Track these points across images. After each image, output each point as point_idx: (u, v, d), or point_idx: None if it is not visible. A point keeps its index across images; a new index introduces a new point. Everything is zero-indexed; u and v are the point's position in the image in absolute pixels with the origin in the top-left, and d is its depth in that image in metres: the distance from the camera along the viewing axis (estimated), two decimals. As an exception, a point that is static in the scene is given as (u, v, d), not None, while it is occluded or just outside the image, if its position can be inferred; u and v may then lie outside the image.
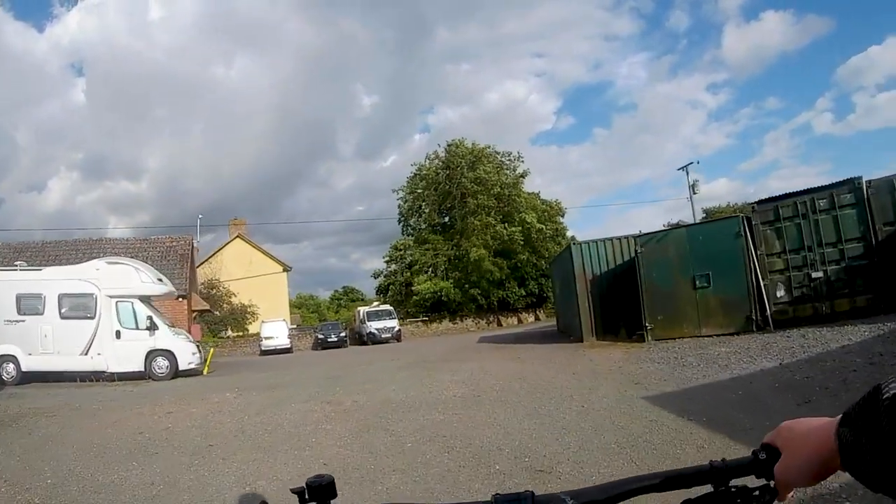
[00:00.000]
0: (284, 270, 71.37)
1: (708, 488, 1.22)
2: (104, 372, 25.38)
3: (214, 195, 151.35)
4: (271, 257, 71.59)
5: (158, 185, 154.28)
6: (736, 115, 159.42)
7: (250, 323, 58.11)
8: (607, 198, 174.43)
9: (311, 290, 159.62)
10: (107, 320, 25.93)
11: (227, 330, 59.44)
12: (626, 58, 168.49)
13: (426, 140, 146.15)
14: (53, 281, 26.09)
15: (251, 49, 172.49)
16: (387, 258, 67.21)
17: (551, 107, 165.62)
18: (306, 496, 1.16)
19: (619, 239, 25.68)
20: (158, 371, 25.80)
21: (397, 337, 51.49)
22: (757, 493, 1.19)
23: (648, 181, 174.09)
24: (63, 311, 25.80)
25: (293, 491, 1.17)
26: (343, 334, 52.35)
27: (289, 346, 49.79)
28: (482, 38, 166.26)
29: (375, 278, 69.49)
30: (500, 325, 61.95)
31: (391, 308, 55.80)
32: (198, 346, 27.72)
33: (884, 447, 0.93)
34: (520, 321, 64.03)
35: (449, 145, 62.60)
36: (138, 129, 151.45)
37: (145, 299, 27.16)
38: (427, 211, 63.25)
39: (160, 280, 27.62)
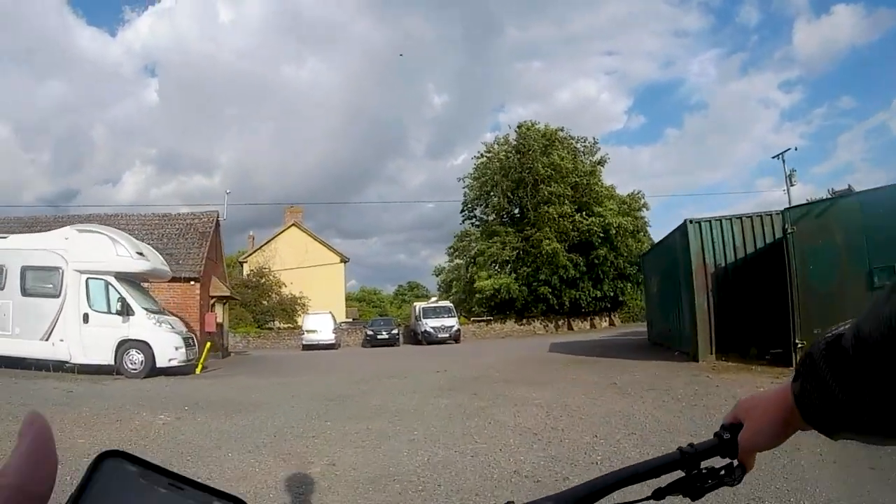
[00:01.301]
0: (342, 261, 66.39)
1: (680, 474, 1.18)
2: (66, 362, 20.03)
3: (285, 191, 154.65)
4: (328, 247, 66.76)
5: (231, 180, 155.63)
6: (809, 115, 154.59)
7: (300, 315, 52.87)
8: (679, 201, 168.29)
9: (379, 284, 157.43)
10: (73, 300, 20.37)
11: (274, 321, 55.05)
12: (697, 55, 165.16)
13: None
14: (18, 251, 20.79)
15: (321, 49, 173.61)
16: (450, 251, 60.83)
17: (622, 106, 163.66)
18: None
19: (754, 216, 18.90)
20: (130, 366, 19.91)
21: (455, 337, 45.68)
22: (723, 471, 1.17)
23: (724, 183, 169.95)
24: (26, 286, 20.58)
25: None
26: (395, 331, 46.93)
27: (333, 341, 44.34)
28: (552, 35, 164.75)
29: (437, 276, 63.15)
30: (570, 328, 55.64)
31: (450, 305, 49.69)
32: (188, 339, 21.72)
33: (827, 391, 0.96)
34: (593, 326, 57.62)
35: (520, 127, 56.25)
36: (210, 126, 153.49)
37: (129, 278, 21.46)
38: (496, 199, 56.68)
39: (141, 254, 21.56)
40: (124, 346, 20.06)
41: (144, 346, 20.01)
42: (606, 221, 51.31)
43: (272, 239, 64.87)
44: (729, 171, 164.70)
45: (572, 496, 1.12)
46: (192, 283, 28.86)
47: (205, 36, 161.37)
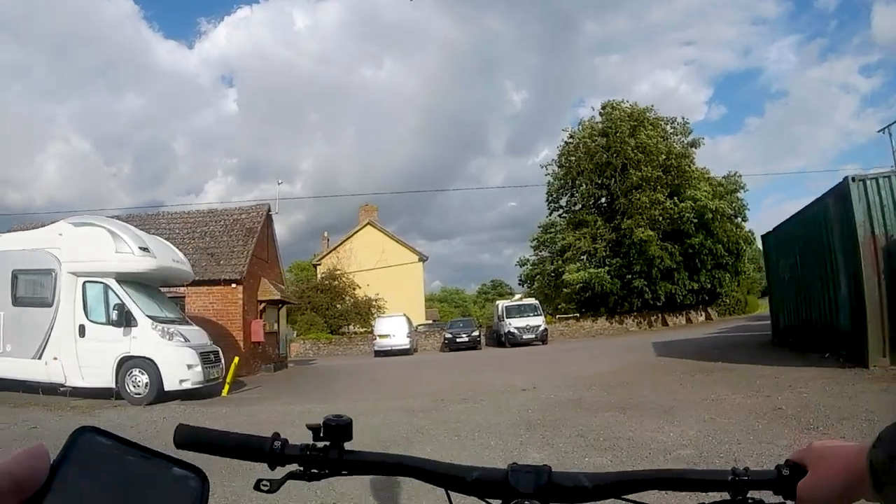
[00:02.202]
0: (420, 260, 62.31)
1: (724, 496, 1.12)
2: (62, 385, 16.42)
3: (367, 194, 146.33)
4: (406, 246, 62.97)
5: (313, 186, 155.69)
6: (892, 100, 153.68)
7: (375, 318, 48.33)
8: (764, 190, 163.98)
9: (464, 285, 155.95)
10: (68, 309, 16.54)
11: (349, 325, 51.21)
12: (775, 41, 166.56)
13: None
14: (9, 252, 17.07)
15: (397, 51, 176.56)
16: (534, 242, 55.26)
17: (702, 96, 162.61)
18: (321, 434, 1.12)
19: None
20: (133, 390, 15.84)
21: (542, 338, 40.83)
22: None
23: (803, 174, 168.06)
24: (17, 293, 16.92)
25: (309, 427, 1.13)
26: (475, 333, 42.43)
27: (408, 346, 39.99)
28: (629, 28, 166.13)
29: (521, 266, 56.99)
30: (665, 324, 50.53)
31: (536, 302, 44.41)
32: (208, 355, 17.39)
33: None
34: (689, 321, 52.64)
35: (604, 108, 51.11)
36: (290, 133, 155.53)
37: (138, 279, 17.34)
38: (582, 187, 51.58)
39: (145, 250, 17.30)
40: (126, 364, 15.98)
41: (149, 365, 15.84)
42: (702, 205, 45.78)
43: (346, 239, 61.54)
44: (810, 159, 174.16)
45: (608, 479, 1.11)
46: (234, 285, 24.87)
47: (280, 42, 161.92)
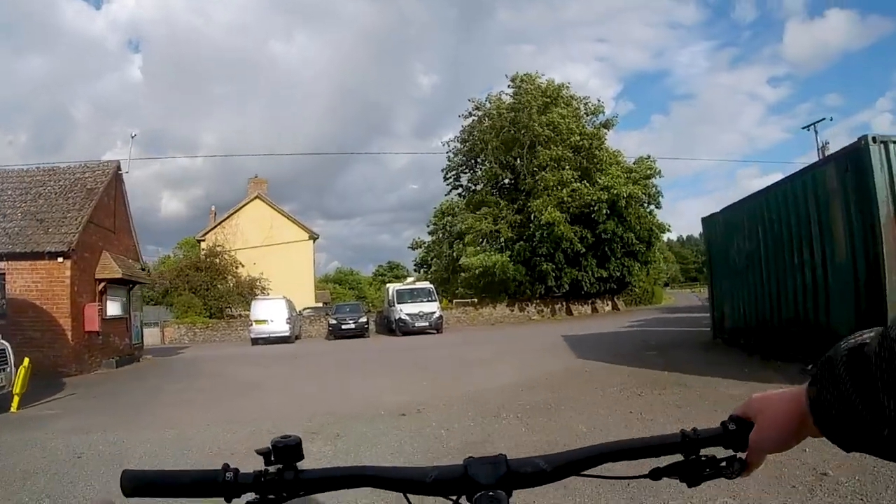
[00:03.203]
0: (310, 238, 57.47)
1: (678, 458, 1.18)
2: None
3: (270, 171, 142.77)
4: (296, 222, 57.95)
5: (215, 161, 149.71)
6: (795, 110, 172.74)
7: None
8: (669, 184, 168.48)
9: (362, 266, 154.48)
10: None
11: (230, 308, 46.41)
12: (688, 46, 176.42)
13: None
14: None
15: (309, 25, 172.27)
16: (430, 225, 51.45)
17: (612, 91, 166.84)
18: (272, 457, 1.11)
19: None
20: None
21: (437, 326, 36.88)
22: (724, 463, 1.17)
23: (705, 172, 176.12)
24: None
25: (259, 452, 1.11)
26: (363, 320, 37.94)
27: (287, 333, 35.35)
28: (545, 20, 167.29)
29: (414, 249, 53.10)
30: (569, 313, 47.46)
31: (430, 286, 40.43)
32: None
33: (846, 400, 0.93)
34: (595, 310, 49.82)
35: (514, 80, 47.13)
36: (195, 105, 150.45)
37: None
38: (486, 165, 47.82)
39: None
40: None
41: None
42: (615, 191, 42.38)
43: (233, 213, 55.93)
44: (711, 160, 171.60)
45: (563, 459, 1.15)
46: (60, 259, 20.07)
47: (190, 9, 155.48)
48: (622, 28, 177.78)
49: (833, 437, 0.97)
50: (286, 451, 1.08)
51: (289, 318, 36.08)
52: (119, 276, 22.89)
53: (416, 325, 36.17)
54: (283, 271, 49.18)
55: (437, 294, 40.49)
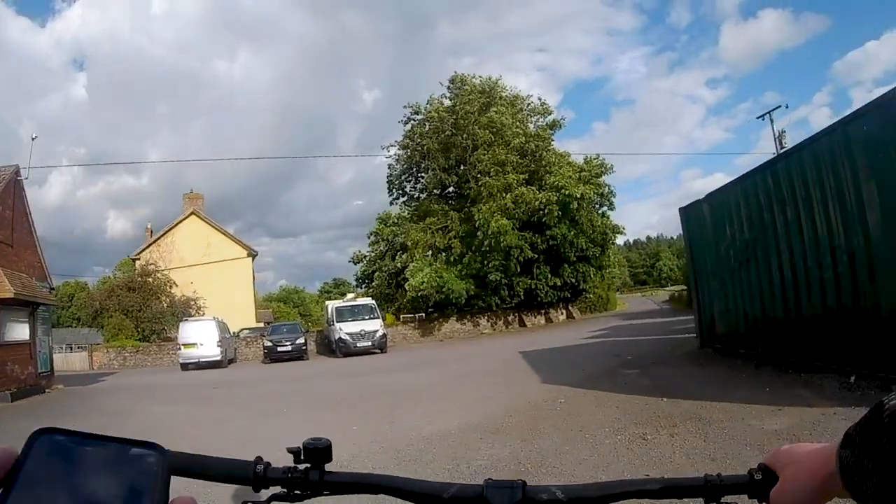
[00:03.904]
0: (249, 255, 54.50)
1: (700, 502, 1.16)
2: None
3: (215, 189, 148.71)
4: (234, 239, 55.06)
5: (160, 180, 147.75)
6: (734, 111, 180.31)
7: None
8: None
9: (309, 283, 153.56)
10: None
11: (164, 330, 43.31)
12: (627, 52, 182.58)
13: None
14: None
15: (253, 43, 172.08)
16: (371, 238, 47.83)
17: (553, 101, 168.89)
18: (301, 457, 1.12)
19: None
20: None
21: (380, 346, 34.03)
22: None
23: (647, 175, 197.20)
24: None
25: (289, 450, 1.12)
26: (300, 341, 34.66)
27: (218, 357, 32.23)
28: (485, 32, 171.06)
29: (355, 263, 49.30)
30: (523, 324, 44.84)
31: (372, 303, 37.37)
32: None
33: (886, 467, 0.83)
34: (549, 320, 47.02)
35: (453, 81, 44.60)
36: (139, 124, 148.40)
37: None
38: (429, 171, 44.63)
39: None
40: None
41: None
42: (566, 192, 39.80)
43: (168, 231, 52.81)
44: (654, 164, 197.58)
45: (581, 492, 1.11)
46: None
47: (135, 27, 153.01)
48: (561, 37, 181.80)
49: (864, 502, 0.86)
50: (315, 452, 1.09)
51: (220, 341, 32.97)
52: (10, 296, 19.85)
53: (358, 345, 33.30)
54: (221, 290, 46.30)
55: (381, 310, 37.53)
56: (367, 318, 34.87)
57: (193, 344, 32.26)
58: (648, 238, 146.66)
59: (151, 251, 50.38)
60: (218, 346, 32.66)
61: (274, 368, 30.18)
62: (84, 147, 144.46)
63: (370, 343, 33.57)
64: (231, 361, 35.03)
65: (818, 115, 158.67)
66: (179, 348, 33.01)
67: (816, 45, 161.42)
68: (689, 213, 17.63)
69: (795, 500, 1.02)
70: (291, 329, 37.49)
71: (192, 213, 52.97)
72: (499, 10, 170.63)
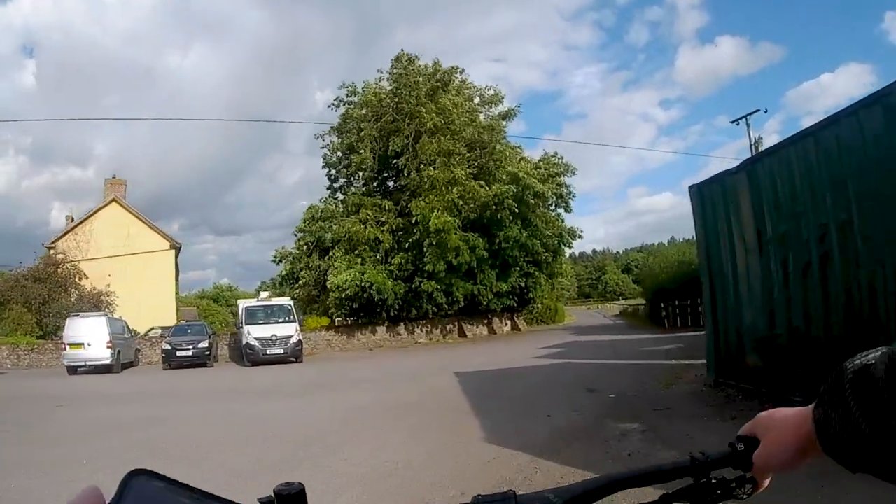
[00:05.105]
0: (172, 248, 49.55)
1: (689, 481, 1.15)
2: None
3: (162, 185, 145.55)
4: (156, 229, 49.71)
5: (106, 173, 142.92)
6: (686, 132, 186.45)
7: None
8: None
9: (251, 283, 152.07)
10: None
11: (69, 327, 38.33)
12: (583, 67, 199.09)
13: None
14: None
15: (207, 38, 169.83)
16: (298, 233, 41.99)
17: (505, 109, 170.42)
18: None
19: None
20: None
21: (295, 354, 29.55)
22: (734, 483, 1.15)
23: (597, 188, 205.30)
24: None
25: (261, 501, 1.03)
26: (204, 344, 29.75)
27: (108, 361, 27.40)
28: (441, 39, 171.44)
29: (278, 262, 42.70)
30: (463, 335, 40.65)
31: (289, 303, 32.88)
32: None
33: (853, 421, 0.92)
34: (492, 331, 42.88)
35: (397, 60, 39.98)
36: (88, 114, 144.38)
37: None
38: (364, 161, 39.14)
39: None
40: None
41: None
42: (523, 182, 36.46)
43: (86, 219, 47.47)
44: (602, 180, 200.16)
45: (573, 491, 1.10)
46: None
47: (88, 16, 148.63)
48: (519, 48, 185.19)
49: (839, 458, 0.95)
50: (289, 499, 0.99)
51: (110, 342, 28.00)
52: None
53: (269, 352, 28.87)
54: (140, 285, 42.19)
55: (298, 312, 33.15)
56: (281, 320, 30.65)
57: (80, 344, 27.44)
58: (594, 251, 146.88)
59: (67, 239, 45.73)
60: (108, 347, 27.80)
61: (166, 378, 25.62)
62: (31, 135, 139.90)
63: (283, 350, 29.19)
64: (130, 365, 30.52)
65: (769, 142, 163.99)
66: (65, 348, 28.15)
67: (772, 74, 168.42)
68: (710, 191, 12.73)
69: (777, 461, 1.07)
70: (197, 330, 32.61)
71: (112, 201, 47.71)
72: (458, 19, 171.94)
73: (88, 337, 27.61)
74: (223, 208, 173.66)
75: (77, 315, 29.83)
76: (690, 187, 13.51)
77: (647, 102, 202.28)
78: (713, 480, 1.12)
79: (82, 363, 27.34)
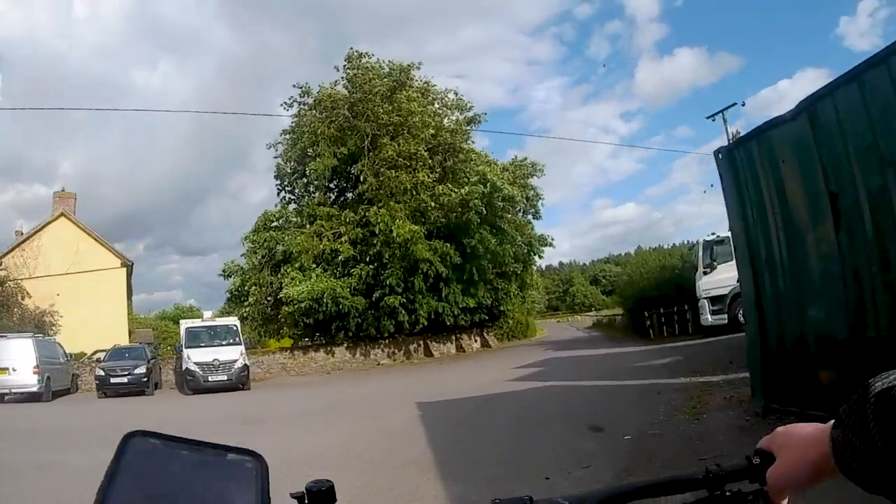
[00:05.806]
0: (123, 266, 46.58)
1: (703, 493, 1.15)
2: None
3: (127, 203, 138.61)
4: (106, 246, 46.52)
5: (75, 188, 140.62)
6: (647, 143, 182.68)
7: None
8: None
9: (216, 304, 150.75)
10: None
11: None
12: (544, 82, 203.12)
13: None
14: None
15: (174, 54, 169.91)
16: (246, 242, 38.86)
17: (467, 128, 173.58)
18: (305, 501, 1.06)
19: None
20: None
21: (241, 380, 26.60)
22: (751, 497, 1.13)
23: (562, 201, 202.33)
24: None
25: (293, 496, 1.06)
26: (141, 370, 26.63)
27: (35, 388, 24.30)
28: (404, 56, 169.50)
29: (227, 277, 40.15)
30: (429, 353, 37.86)
31: (235, 323, 30.05)
32: None
33: (873, 445, 0.88)
34: (461, 349, 40.17)
35: (350, 60, 37.29)
36: (54, 130, 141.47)
37: None
38: (319, 166, 35.90)
39: None
40: None
41: None
42: (493, 185, 34.02)
43: (33, 234, 43.77)
44: (566, 192, 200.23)
45: (589, 499, 1.11)
46: None
47: (55, 30, 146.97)
48: (481, 64, 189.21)
49: (856, 480, 0.91)
50: (319, 495, 1.02)
51: (37, 367, 24.70)
52: None
53: (210, 379, 25.99)
54: (90, 304, 39.50)
55: (254, 334, 30.84)
56: (225, 343, 27.79)
57: (5, 369, 24.78)
58: (561, 263, 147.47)
59: (14, 256, 43.48)
60: (35, 372, 24.82)
61: (98, 409, 22.83)
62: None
63: (226, 377, 26.28)
64: (67, 392, 27.61)
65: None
66: (-13, 374, 25.29)
67: (730, 83, 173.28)
68: (747, 153, 9.46)
69: (791, 479, 1.05)
70: (135, 354, 29.17)
71: (61, 215, 44.67)
72: (420, 36, 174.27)
73: (14, 361, 24.81)
74: (189, 228, 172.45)
75: (3, 336, 27.16)
76: (716, 152, 10.40)
77: (607, 115, 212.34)
78: (727, 493, 1.10)
79: (7, 390, 24.35)
